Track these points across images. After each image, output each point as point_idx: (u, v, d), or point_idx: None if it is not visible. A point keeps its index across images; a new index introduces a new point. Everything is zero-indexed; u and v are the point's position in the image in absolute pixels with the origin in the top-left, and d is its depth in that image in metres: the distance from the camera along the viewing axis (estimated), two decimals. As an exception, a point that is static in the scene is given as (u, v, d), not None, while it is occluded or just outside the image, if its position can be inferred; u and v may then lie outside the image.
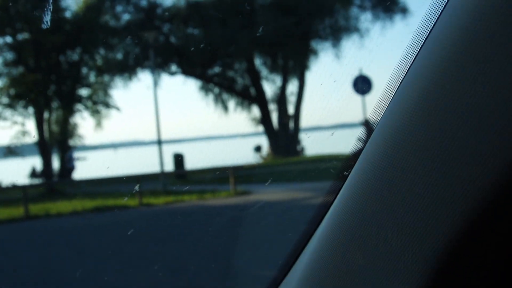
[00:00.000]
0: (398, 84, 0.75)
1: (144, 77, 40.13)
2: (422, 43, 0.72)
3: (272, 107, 34.30)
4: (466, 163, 0.55)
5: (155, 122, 18.90)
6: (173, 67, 32.99)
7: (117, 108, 29.75)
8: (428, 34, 0.71)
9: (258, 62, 33.77)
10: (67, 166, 26.88)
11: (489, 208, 0.54)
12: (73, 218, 12.84)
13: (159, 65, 30.85)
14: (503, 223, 0.55)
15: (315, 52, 32.47)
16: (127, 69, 30.45)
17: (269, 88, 38.86)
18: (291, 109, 34.10)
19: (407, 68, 0.73)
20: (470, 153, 0.55)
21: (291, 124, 34.14)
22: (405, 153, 0.65)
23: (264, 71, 34.04)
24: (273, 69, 33.75)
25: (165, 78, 37.52)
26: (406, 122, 0.66)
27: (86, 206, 14.03)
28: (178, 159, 22.94)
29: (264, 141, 35.28)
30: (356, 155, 0.82)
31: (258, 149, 35.14)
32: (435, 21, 0.70)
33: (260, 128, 35.22)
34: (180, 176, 22.15)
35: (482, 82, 0.55)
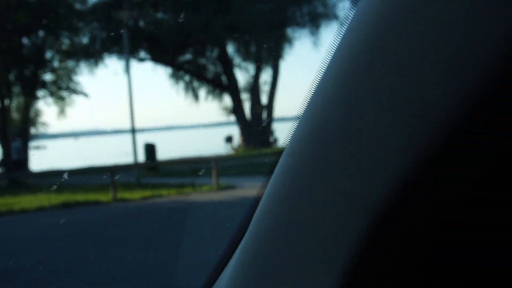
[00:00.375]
0: (321, 76, 0.72)
1: (111, 63, 38.54)
2: (343, 33, 0.68)
3: (245, 96, 33.34)
4: (376, 158, 0.57)
5: (124, 110, 17.57)
6: (142, 53, 31.59)
7: (85, 94, 28.29)
8: (350, 22, 0.67)
9: (231, 49, 32.70)
10: (14, 158, 23.99)
11: (391, 204, 0.56)
12: (39, 215, 11.47)
13: (127, 51, 29.46)
14: (402, 223, 0.58)
15: (290, 40, 31.46)
16: (93, 54, 29.03)
17: (242, 76, 37.71)
18: (264, 99, 33.09)
19: (330, 58, 0.71)
20: (382, 147, 0.56)
21: (264, 114, 33.10)
22: (321, 144, 0.65)
23: (237, 59, 32.99)
24: (246, 57, 32.65)
25: (133, 65, 36.00)
26: (323, 112, 0.66)
27: (53, 202, 12.64)
28: (150, 149, 21.61)
29: (235, 131, 34.23)
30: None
31: (229, 139, 34.00)
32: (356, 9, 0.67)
33: (232, 118, 34.18)
34: (152, 168, 20.84)
35: (397, 74, 0.55)
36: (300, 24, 30.69)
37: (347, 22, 0.69)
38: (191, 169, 17.72)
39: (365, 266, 0.61)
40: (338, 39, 0.70)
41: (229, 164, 20.12)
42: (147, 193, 13.13)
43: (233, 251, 0.98)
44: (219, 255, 1.05)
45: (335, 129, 0.63)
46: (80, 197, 13.14)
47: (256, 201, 0.91)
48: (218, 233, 6.88)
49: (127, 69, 19.37)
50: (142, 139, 30.17)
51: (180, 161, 18.82)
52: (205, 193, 12.85)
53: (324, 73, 0.71)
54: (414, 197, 0.56)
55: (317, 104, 0.69)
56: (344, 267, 0.62)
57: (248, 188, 13.09)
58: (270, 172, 0.85)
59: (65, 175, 11.61)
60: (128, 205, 11.98)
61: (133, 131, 17.63)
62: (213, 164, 13.78)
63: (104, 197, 12.91)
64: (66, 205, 12.22)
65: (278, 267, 0.74)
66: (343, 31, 0.69)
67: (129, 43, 28.37)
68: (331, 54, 0.71)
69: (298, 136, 0.72)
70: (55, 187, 14.81)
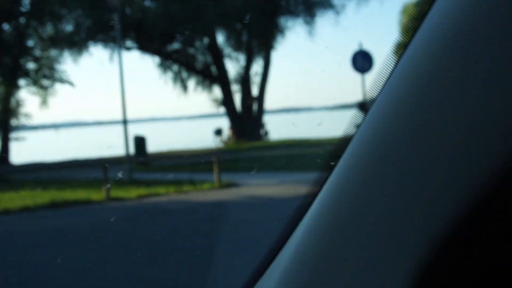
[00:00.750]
0: (394, 66, 0.71)
1: (97, 52, 37.21)
2: (420, 23, 0.66)
3: (235, 88, 32.20)
4: (458, 161, 0.55)
5: (107, 101, 16.35)
6: (129, 42, 30.26)
7: (71, 83, 26.97)
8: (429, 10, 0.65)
9: (221, 39, 31.53)
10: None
11: (477, 208, 0.55)
12: (24, 217, 10.26)
13: (114, 40, 28.20)
14: (489, 225, 0.56)
15: (282, 30, 30.36)
16: (77, 43, 27.74)
17: (232, 67, 36.47)
18: (255, 91, 31.95)
19: (405, 49, 0.69)
20: (463, 151, 0.55)
21: (255, 106, 31.99)
22: (395, 146, 0.64)
23: (227, 49, 31.80)
24: (237, 47, 31.45)
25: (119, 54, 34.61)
26: (398, 112, 0.64)
27: (39, 201, 11.43)
28: (140, 142, 20.40)
29: (225, 124, 33.09)
30: (343, 144, 0.80)
31: (218, 132, 32.86)
32: None
33: (222, 110, 33.01)
34: (142, 162, 19.64)
35: (487, 74, 0.54)
36: (294, 13, 29.59)
37: (421, 20, 0.66)
38: (184, 163, 16.57)
39: (433, 273, 0.60)
40: (412, 37, 0.67)
41: (226, 158, 19.04)
42: (143, 191, 11.99)
43: (277, 253, 0.96)
44: (262, 257, 1.00)
45: (408, 131, 0.61)
46: (69, 195, 11.96)
47: (307, 200, 0.87)
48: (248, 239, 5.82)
49: (119, 57, 18.04)
50: (128, 131, 28.86)
51: (176, 154, 17.68)
52: (207, 192, 11.75)
53: (395, 72, 0.68)
54: (494, 205, 0.54)
55: (387, 105, 0.66)
56: (411, 272, 0.60)
57: (253, 186, 12.02)
58: (326, 169, 0.82)
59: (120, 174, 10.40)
60: (124, 205, 10.83)
61: (124, 122, 16.43)
62: (214, 159, 12.65)
63: (96, 195, 11.75)
64: (53, 205, 11.03)
65: (341, 266, 0.72)
66: (418, 29, 0.66)
67: (119, 31, 27.17)
68: (403, 53, 0.68)
69: (364, 137, 0.71)
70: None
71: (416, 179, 0.59)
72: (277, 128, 35.92)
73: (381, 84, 0.72)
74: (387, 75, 0.70)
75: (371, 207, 0.66)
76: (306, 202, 0.89)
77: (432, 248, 0.58)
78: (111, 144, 17.65)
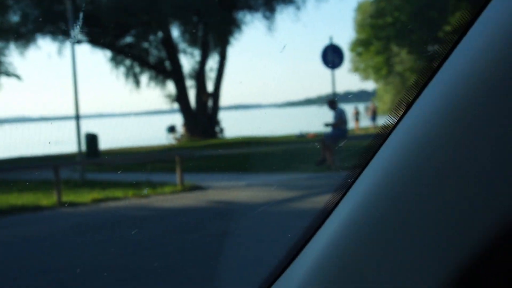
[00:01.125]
0: (427, 79, 0.70)
1: (44, 44, 35.56)
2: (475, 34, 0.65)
3: (190, 84, 31.20)
4: (501, 178, 0.55)
5: (54, 96, 15.17)
6: (79, 35, 28.81)
7: (17, 77, 25.49)
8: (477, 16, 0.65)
9: (176, 33, 30.45)
10: None
11: None
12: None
13: (62, 32, 26.81)
14: None
15: (239, 25, 29.51)
16: (24, 34, 26.28)
17: (187, 62, 35.44)
18: (210, 87, 31.03)
19: (448, 60, 0.68)
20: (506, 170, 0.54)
21: (210, 103, 31.06)
22: (435, 163, 0.63)
23: (182, 44, 30.77)
24: (192, 41, 30.42)
25: (69, 47, 33.09)
26: (440, 129, 0.63)
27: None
28: (91, 139, 19.18)
29: (178, 121, 32.03)
30: (367, 153, 0.79)
31: (171, 129, 31.70)
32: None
33: (175, 106, 31.92)
34: (98, 163, 18.43)
35: None
36: (253, 8, 28.77)
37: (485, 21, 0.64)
38: (139, 162, 15.53)
39: (473, 281, 0.59)
40: (473, 36, 0.65)
41: (185, 156, 18.12)
42: (98, 194, 10.94)
43: (295, 256, 0.94)
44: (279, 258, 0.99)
45: (467, 132, 0.60)
46: (14, 199, 10.81)
47: (331, 204, 0.86)
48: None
49: (72, 50, 16.85)
50: (80, 128, 27.49)
51: (131, 152, 16.60)
52: (169, 196, 10.79)
53: (446, 74, 0.67)
54: None
55: (443, 106, 0.65)
56: (452, 277, 0.60)
57: (219, 190, 11.17)
58: (356, 168, 0.80)
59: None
60: (78, 212, 9.77)
61: (77, 118, 15.27)
62: (177, 159, 11.70)
63: (46, 199, 10.64)
64: (-2, 212, 9.89)
65: (373, 275, 0.71)
66: (480, 30, 0.64)
67: (65, 24, 25.77)
68: (462, 51, 0.66)
69: (401, 148, 0.69)
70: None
71: (466, 184, 0.57)
72: (230, 125, 35.01)
73: (421, 86, 0.68)
74: (426, 77, 0.67)
75: (416, 211, 0.64)
76: (326, 208, 0.86)
77: (475, 255, 0.56)
78: (58, 140, 16.38)
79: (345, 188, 0.83)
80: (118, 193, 11.00)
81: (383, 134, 0.76)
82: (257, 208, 8.83)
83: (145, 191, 11.15)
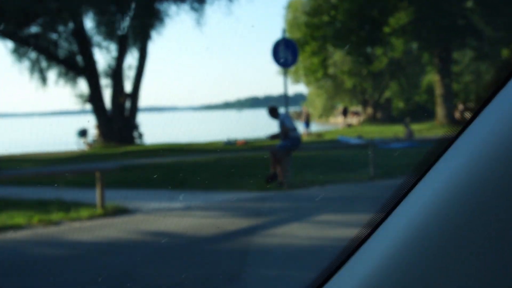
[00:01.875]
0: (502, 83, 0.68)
1: None
2: None
3: (105, 82, 28.19)
4: None
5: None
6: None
7: None
8: None
9: (89, 24, 27.37)
10: None
11: None
12: None
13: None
14: None
15: (162, 18, 26.82)
16: None
17: (102, 58, 32.39)
18: (128, 86, 28.08)
19: None
20: None
21: (128, 104, 28.11)
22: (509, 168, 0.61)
23: (96, 37, 27.64)
24: (108, 35, 27.37)
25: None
26: None
27: None
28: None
29: (91, 124, 28.88)
30: (429, 157, 0.77)
31: (83, 133, 28.45)
32: None
33: (88, 107, 28.75)
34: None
35: None
36: (178, -1, 26.16)
37: None
38: (45, 173, 12.62)
39: None
40: None
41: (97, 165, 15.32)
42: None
43: (345, 261, 0.91)
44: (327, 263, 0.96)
45: None
46: None
47: (384, 212, 0.82)
48: None
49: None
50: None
51: (34, 158, 13.61)
52: (87, 222, 8.10)
53: None
54: None
55: None
56: None
57: (150, 214, 8.62)
58: (419, 171, 0.76)
59: None
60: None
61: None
62: (97, 174, 8.96)
63: None
64: None
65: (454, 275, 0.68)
66: None
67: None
68: None
69: (492, 137, 0.66)
70: None
71: None
72: (148, 129, 32.14)
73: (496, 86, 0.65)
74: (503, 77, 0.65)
75: (491, 216, 0.62)
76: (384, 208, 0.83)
77: None
78: None
79: (405, 190, 0.79)
80: (19, 218, 8.17)
81: (449, 138, 0.72)
82: (206, 243, 6.42)
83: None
